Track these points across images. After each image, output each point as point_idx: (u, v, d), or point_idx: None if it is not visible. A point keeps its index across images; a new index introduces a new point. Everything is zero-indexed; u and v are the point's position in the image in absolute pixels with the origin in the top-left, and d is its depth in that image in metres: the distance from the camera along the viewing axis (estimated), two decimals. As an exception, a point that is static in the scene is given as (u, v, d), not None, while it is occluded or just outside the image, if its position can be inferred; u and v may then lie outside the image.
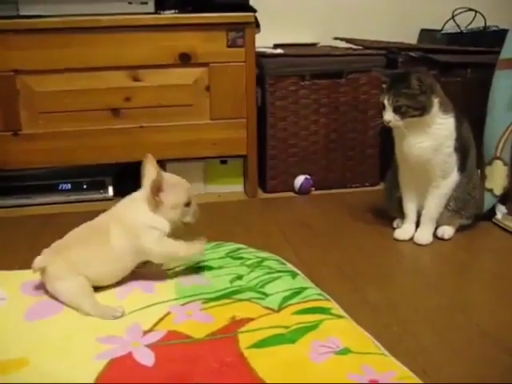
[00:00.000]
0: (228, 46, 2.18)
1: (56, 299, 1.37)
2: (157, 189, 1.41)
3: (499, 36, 2.30)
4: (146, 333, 1.24)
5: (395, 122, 1.73)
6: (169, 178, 1.45)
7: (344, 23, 2.81)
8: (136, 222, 1.42)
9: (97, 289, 1.40)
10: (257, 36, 2.24)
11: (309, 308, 1.33)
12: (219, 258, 1.59)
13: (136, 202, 1.45)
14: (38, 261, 1.38)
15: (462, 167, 1.81)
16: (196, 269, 1.53)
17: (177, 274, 1.50)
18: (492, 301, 1.52)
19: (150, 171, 1.46)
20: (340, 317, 1.31)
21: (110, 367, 1.12)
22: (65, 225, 2.01)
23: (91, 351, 1.18)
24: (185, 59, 2.16)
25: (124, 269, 1.44)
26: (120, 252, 1.40)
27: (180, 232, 1.46)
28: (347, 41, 2.58)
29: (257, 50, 2.24)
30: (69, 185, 2.29)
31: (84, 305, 1.33)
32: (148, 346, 1.19)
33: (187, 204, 1.46)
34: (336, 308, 1.35)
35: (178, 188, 1.46)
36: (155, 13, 2.19)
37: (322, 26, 2.80)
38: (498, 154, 1.99)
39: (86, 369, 1.12)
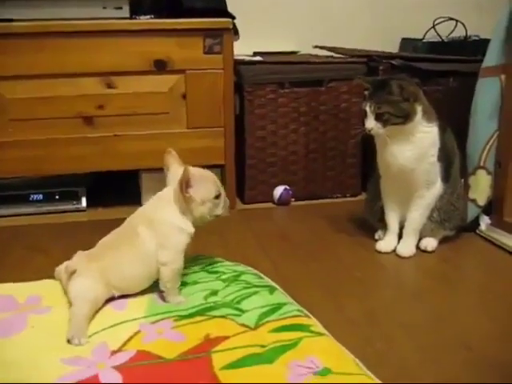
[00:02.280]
0: (205, 53, 2.12)
1: (18, 318, 1.29)
2: (186, 185, 1.36)
3: (480, 46, 2.28)
4: (113, 353, 1.17)
5: (377, 130, 1.68)
6: (195, 171, 1.39)
7: (324, 32, 2.77)
8: (165, 222, 1.38)
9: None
10: (236, 44, 2.19)
11: (287, 325, 1.27)
12: (193, 273, 1.52)
13: (164, 201, 1.41)
14: (74, 263, 1.35)
15: (446, 177, 1.77)
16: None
17: (149, 291, 1.43)
18: (477, 314, 1.48)
19: (174, 167, 1.42)
20: (320, 334, 1.24)
21: (73, 391, 1.05)
22: (35, 237, 1.97)
23: (54, 373, 1.10)
24: (160, 66, 2.10)
25: (153, 273, 1.39)
26: (150, 254, 1.36)
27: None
28: (328, 49, 2.54)
29: (235, 57, 2.19)
30: (40, 195, 2.22)
31: (80, 308, 1.28)
32: (115, 367, 1.12)
33: (217, 196, 1.42)
34: (316, 325, 1.29)
35: (206, 181, 1.41)
36: (130, 18, 2.13)
37: (302, 35, 2.76)
38: (482, 164, 1.95)
39: (47, 393, 1.04)
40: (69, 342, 1.20)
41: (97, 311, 1.32)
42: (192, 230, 1.40)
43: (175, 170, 1.41)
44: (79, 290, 1.32)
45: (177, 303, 1.37)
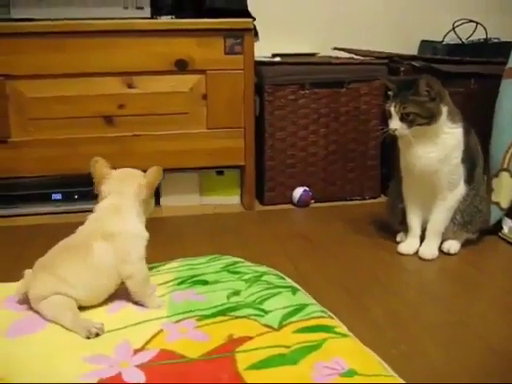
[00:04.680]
0: (226, 53, 2.11)
1: (38, 316, 1.28)
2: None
3: (501, 48, 2.25)
4: (136, 352, 1.15)
5: (402, 131, 1.66)
6: (126, 173, 1.40)
7: (343, 34, 2.75)
8: (126, 234, 1.32)
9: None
10: (255, 46, 2.18)
11: (311, 326, 1.25)
12: (215, 273, 1.51)
13: (122, 212, 1.35)
14: (20, 286, 1.31)
15: (470, 179, 1.75)
16: (190, 284, 1.44)
17: (170, 290, 1.41)
18: (501, 317, 1.46)
19: (109, 173, 1.39)
20: (344, 335, 1.22)
21: (97, 389, 1.04)
22: (53, 237, 1.92)
23: (76, 371, 1.09)
24: (181, 66, 2.10)
25: (107, 287, 1.33)
26: (105, 268, 1.30)
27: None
28: (347, 51, 2.52)
29: (255, 58, 2.18)
30: (60, 195, 2.22)
31: (64, 319, 1.24)
32: (138, 366, 1.10)
33: None
34: (340, 326, 1.27)
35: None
36: (151, 18, 2.13)
37: (321, 37, 2.75)
38: (506, 166, 1.92)
39: (70, 391, 1.03)
40: (89, 337, 1.20)
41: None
42: (147, 234, 1.35)
43: (115, 174, 1.39)
44: (49, 313, 1.26)
45: (157, 307, 1.33)
